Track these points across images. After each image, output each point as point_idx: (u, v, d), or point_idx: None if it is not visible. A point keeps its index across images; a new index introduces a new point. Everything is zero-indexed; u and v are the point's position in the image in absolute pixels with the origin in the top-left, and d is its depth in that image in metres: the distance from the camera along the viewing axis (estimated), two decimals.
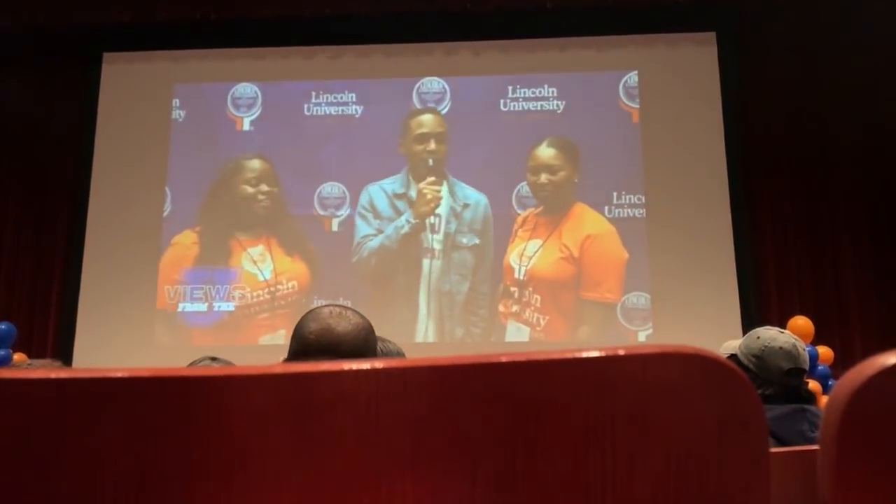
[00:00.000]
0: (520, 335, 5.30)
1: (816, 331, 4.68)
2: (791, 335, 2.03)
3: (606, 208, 5.45)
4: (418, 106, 5.70)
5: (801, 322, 4.63)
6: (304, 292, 5.41)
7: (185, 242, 5.58)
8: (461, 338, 5.31)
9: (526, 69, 5.65)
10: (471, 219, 5.48)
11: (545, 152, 5.56)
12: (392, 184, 5.57)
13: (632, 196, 5.46)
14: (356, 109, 5.71)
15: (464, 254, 5.44)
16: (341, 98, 5.73)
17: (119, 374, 0.39)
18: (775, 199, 5.49)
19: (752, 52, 5.61)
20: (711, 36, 5.66)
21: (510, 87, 5.64)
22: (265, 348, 5.26)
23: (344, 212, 5.55)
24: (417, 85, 5.71)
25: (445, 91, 5.69)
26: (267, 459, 0.39)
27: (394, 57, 5.78)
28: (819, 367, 4.50)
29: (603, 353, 0.39)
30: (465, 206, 5.51)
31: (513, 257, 5.41)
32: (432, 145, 5.60)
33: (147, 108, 5.78)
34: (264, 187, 5.63)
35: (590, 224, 5.43)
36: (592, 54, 5.69)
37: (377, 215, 5.53)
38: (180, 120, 5.77)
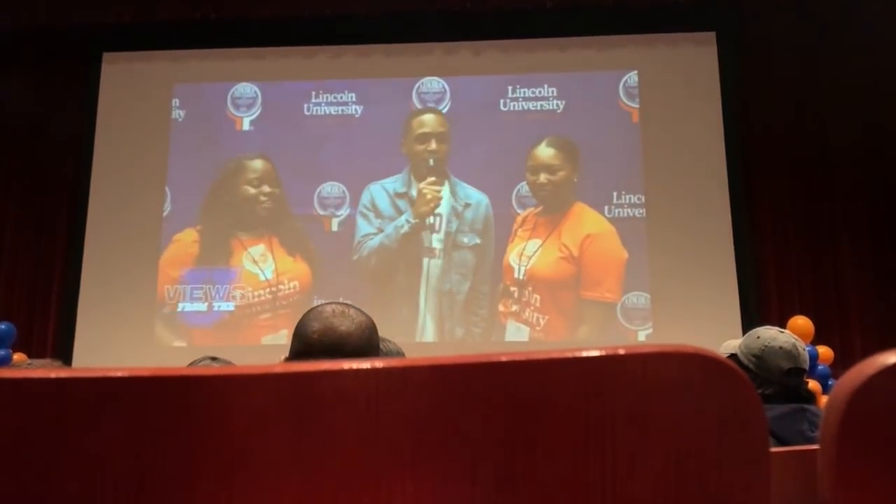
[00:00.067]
0: (519, 335, 5.30)
1: (816, 330, 4.68)
2: (791, 335, 2.03)
3: (606, 208, 5.45)
4: (418, 106, 5.70)
5: (801, 322, 4.64)
6: (306, 292, 5.41)
7: (187, 241, 5.58)
8: (461, 337, 5.31)
9: (526, 69, 5.65)
10: (472, 218, 5.48)
11: (544, 152, 5.56)
12: (393, 183, 5.57)
13: (632, 196, 5.46)
14: (356, 109, 5.71)
15: (464, 253, 5.44)
16: (341, 98, 5.73)
17: (119, 374, 0.39)
18: (775, 199, 5.49)
19: (752, 52, 5.61)
20: (711, 36, 5.66)
21: (510, 87, 5.65)
22: (266, 348, 5.26)
23: (344, 212, 5.55)
24: (417, 85, 5.71)
25: (445, 91, 5.69)
26: (267, 459, 0.39)
27: (393, 57, 5.78)
28: (819, 367, 4.50)
29: (603, 353, 0.39)
30: (467, 205, 5.51)
31: (512, 257, 5.41)
32: (433, 145, 5.60)
33: (147, 108, 5.78)
34: (266, 188, 5.63)
35: (589, 224, 5.43)
36: (592, 54, 5.69)
37: (378, 214, 5.53)
38: (180, 120, 5.77)
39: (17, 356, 4.42)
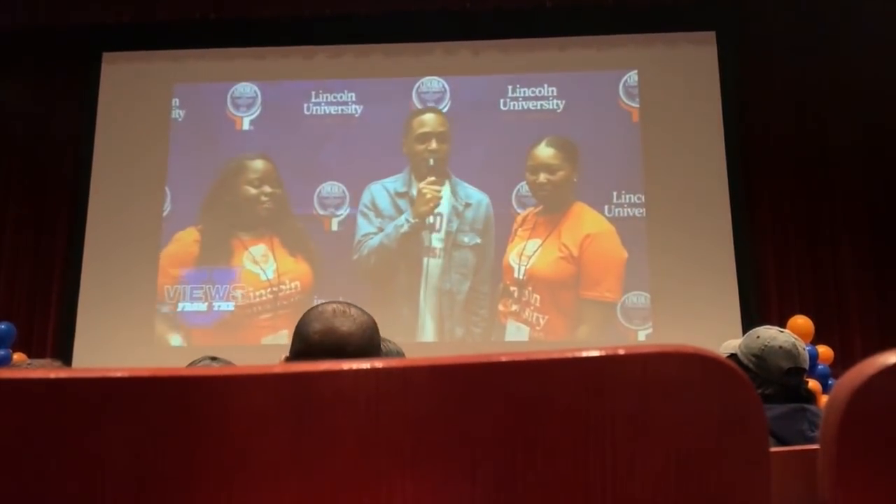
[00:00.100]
0: (519, 334, 5.30)
1: (816, 330, 4.68)
2: (791, 334, 2.03)
3: (606, 207, 5.45)
4: (418, 105, 5.70)
5: (801, 321, 4.64)
6: (307, 292, 5.41)
7: (187, 240, 5.58)
8: (461, 337, 5.31)
9: (525, 68, 5.65)
10: (472, 218, 5.48)
11: (544, 152, 5.56)
12: (394, 182, 5.57)
13: (632, 195, 5.46)
14: (356, 109, 5.71)
15: (465, 253, 5.44)
16: (341, 97, 5.73)
17: (119, 374, 0.39)
18: (775, 199, 5.49)
19: (752, 51, 5.61)
20: (711, 35, 5.66)
21: (510, 87, 5.65)
22: (267, 348, 5.26)
23: (344, 211, 5.55)
24: (417, 84, 5.71)
25: (445, 90, 5.69)
26: (267, 459, 0.39)
27: (393, 56, 5.78)
28: (819, 367, 4.50)
29: (603, 353, 0.39)
30: (467, 205, 5.51)
31: (512, 257, 5.41)
32: (434, 145, 5.60)
33: (147, 108, 5.78)
34: (267, 188, 5.63)
35: (589, 223, 5.43)
36: (592, 54, 5.69)
37: (378, 214, 5.53)
38: (180, 119, 5.77)
39: (17, 356, 4.43)
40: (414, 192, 5.55)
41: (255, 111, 5.75)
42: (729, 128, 5.50)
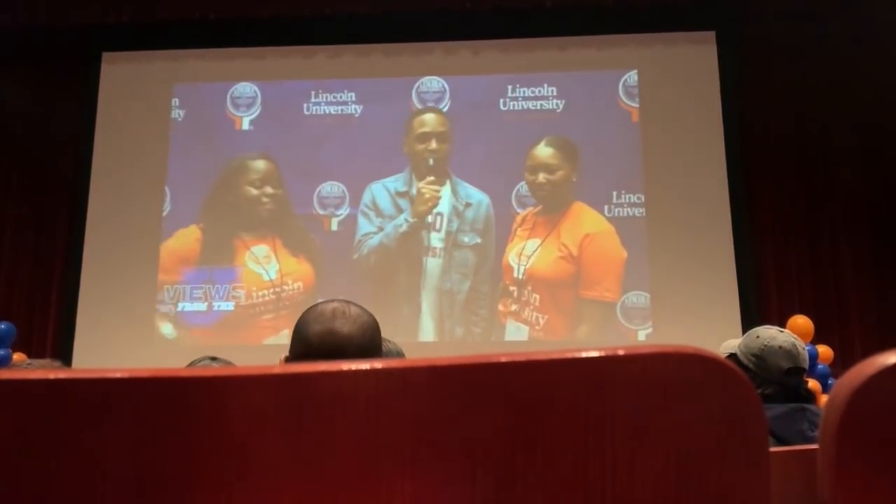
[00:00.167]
0: (519, 334, 5.30)
1: (816, 330, 4.69)
2: (790, 334, 2.03)
3: (606, 207, 5.45)
4: (418, 105, 5.70)
5: (801, 321, 4.64)
6: (309, 293, 5.41)
7: (190, 237, 5.58)
8: (461, 337, 5.31)
9: (525, 68, 5.65)
10: (473, 218, 5.48)
11: (543, 151, 5.57)
12: (395, 182, 5.57)
13: (631, 195, 5.46)
14: (356, 109, 5.71)
15: (465, 253, 5.44)
16: (340, 97, 5.73)
17: (119, 375, 0.39)
18: (775, 199, 5.49)
19: (752, 51, 5.61)
20: (711, 35, 5.66)
21: (510, 87, 5.65)
22: (268, 348, 5.26)
23: (343, 211, 5.55)
24: (417, 84, 5.72)
25: (445, 90, 5.69)
26: (267, 459, 0.39)
27: (393, 56, 5.78)
28: (819, 366, 4.50)
29: (602, 353, 0.39)
30: (468, 205, 5.51)
31: (512, 256, 5.41)
32: (433, 144, 5.60)
33: (146, 108, 5.78)
34: (269, 189, 5.63)
35: (588, 223, 5.43)
36: (592, 53, 5.69)
37: (379, 213, 5.53)
38: (180, 119, 5.77)
39: (17, 356, 4.43)
40: (414, 191, 5.55)
41: (255, 111, 5.75)
42: (729, 128, 5.50)
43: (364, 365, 0.39)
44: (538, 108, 5.62)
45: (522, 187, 5.51)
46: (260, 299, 5.44)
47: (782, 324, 3.89)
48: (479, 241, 5.45)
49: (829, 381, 4.39)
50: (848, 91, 5.47)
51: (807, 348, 2.10)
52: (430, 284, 5.40)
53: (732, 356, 2.00)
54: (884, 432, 0.40)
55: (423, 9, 5.46)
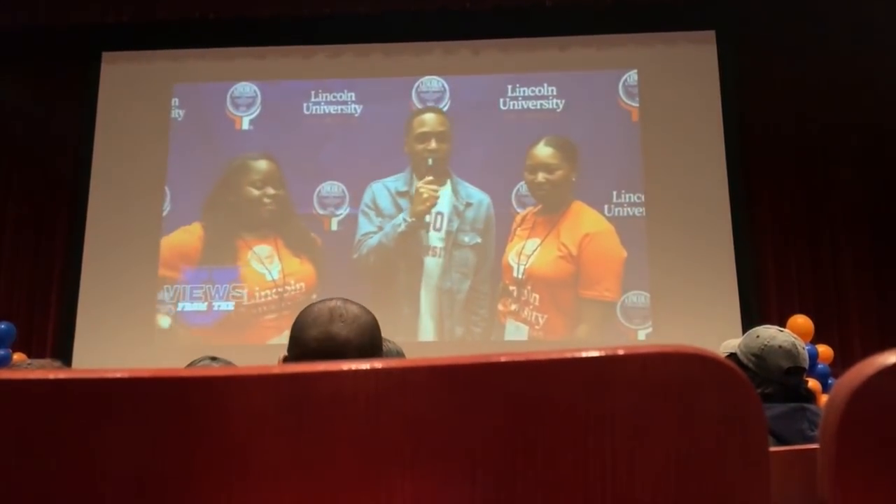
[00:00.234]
0: (518, 334, 5.30)
1: (816, 330, 4.69)
2: (790, 334, 2.03)
3: (606, 207, 5.45)
4: (417, 105, 5.70)
5: (801, 321, 4.64)
6: (311, 293, 5.40)
7: (192, 235, 5.57)
8: (461, 336, 5.31)
9: (525, 68, 5.65)
10: (473, 218, 5.48)
11: (542, 151, 5.57)
12: (395, 181, 5.57)
13: (631, 195, 5.46)
14: (355, 108, 5.71)
15: (465, 252, 5.44)
16: (340, 97, 5.73)
17: (119, 375, 0.39)
18: (775, 198, 5.49)
19: (752, 51, 5.61)
20: (711, 34, 5.66)
21: (509, 86, 5.65)
22: (270, 348, 5.26)
23: (343, 211, 5.55)
24: (417, 84, 5.72)
25: (445, 90, 5.69)
26: (266, 460, 0.39)
27: (393, 56, 5.78)
28: (819, 366, 4.50)
29: (602, 353, 0.39)
30: (468, 205, 5.51)
31: (511, 256, 5.41)
32: (433, 144, 5.60)
33: (146, 108, 5.78)
34: (270, 190, 5.63)
35: (588, 222, 5.43)
36: (592, 53, 5.69)
37: (379, 213, 5.54)
38: (179, 119, 5.77)
39: (17, 356, 4.43)
40: (414, 191, 5.56)
41: (255, 111, 5.75)
42: (729, 128, 5.50)
43: (364, 365, 0.39)
44: (538, 107, 5.62)
45: (522, 187, 5.51)
46: (262, 299, 5.45)
47: (782, 323, 3.89)
48: (479, 240, 5.45)
49: (829, 381, 4.39)
50: (848, 91, 5.47)
51: (807, 348, 2.10)
52: (430, 284, 5.40)
53: (732, 356, 2.00)
54: (884, 432, 0.40)
55: (422, 9, 5.46)
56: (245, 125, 5.74)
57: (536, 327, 5.31)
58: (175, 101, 5.78)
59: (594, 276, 5.35)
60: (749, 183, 5.49)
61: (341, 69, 5.76)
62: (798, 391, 1.96)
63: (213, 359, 1.85)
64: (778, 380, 1.93)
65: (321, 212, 5.56)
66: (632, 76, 5.62)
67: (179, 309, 5.46)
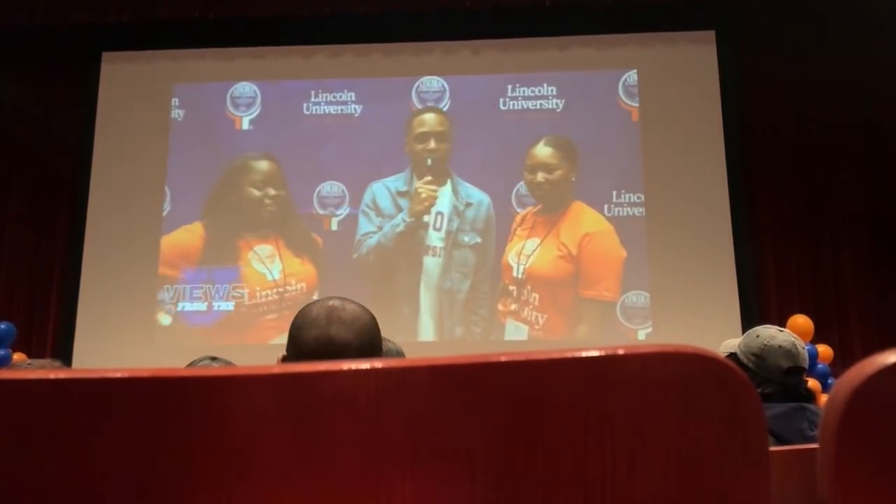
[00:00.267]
0: (518, 334, 5.30)
1: (816, 329, 4.69)
2: (790, 333, 2.03)
3: (606, 207, 5.45)
4: (417, 105, 5.70)
5: (801, 320, 4.64)
6: (312, 293, 5.40)
7: (193, 236, 5.57)
8: (461, 336, 5.31)
9: (525, 68, 5.65)
10: (473, 217, 5.49)
11: (542, 151, 5.57)
12: (395, 181, 5.57)
13: (631, 195, 5.46)
14: (355, 108, 5.71)
15: (465, 252, 5.44)
16: (340, 97, 5.73)
17: (119, 375, 0.39)
18: (775, 198, 5.49)
19: (752, 50, 5.61)
20: (711, 34, 5.66)
21: (509, 86, 5.65)
22: (270, 348, 5.26)
23: (343, 211, 5.55)
24: (416, 84, 5.72)
25: (444, 90, 5.69)
26: (266, 460, 0.39)
27: (393, 56, 5.78)
28: (819, 366, 4.50)
29: (602, 353, 0.39)
30: (468, 204, 5.51)
31: (511, 256, 5.41)
32: (432, 144, 5.60)
33: (146, 108, 5.78)
34: (271, 191, 5.63)
35: (588, 222, 5.43)
36: (592, 53, 5.69)
37: (379, 213, 5.54)
38: (179, 119, 5.77)
39: (17, 356, 4.43)
40: (414, 191, 5.56)
41: (255, 111, 5.75)
42: (729, 127, 5.50)
43: (364, 365, 0.39)
44: (538, 107, 5.62)
45: (522, 187, 5.51)
46: (263, 299, 5.45)
47: (782, 323, 3.89)
48: (479, 240, 5.45)
49: (829, 381, 4.39)
50: (848, 90, 5.47)
51: (807, 348, 2.10)
52: (429, 284, 5.40)
53: (732, 355, 2.00)
54: (884, 432, 0.40)
55: (422, 9, 5.46)
56: (245, 125, 5.74)
57: (536, 327, 5.31)
58: (175, 101, 5.78)
59: (594, 276, 5.35)
60: (749, 183, 5.49)
61: (341, 69, 5.76)
62: (798, 391, 1.96)
63: (213, 359, 1.85)
64: (778, 380, 1.93)
65: (321, 212, 5.56)
66: (632, 76, 5.62)
67: (179, 309, 5.46)
